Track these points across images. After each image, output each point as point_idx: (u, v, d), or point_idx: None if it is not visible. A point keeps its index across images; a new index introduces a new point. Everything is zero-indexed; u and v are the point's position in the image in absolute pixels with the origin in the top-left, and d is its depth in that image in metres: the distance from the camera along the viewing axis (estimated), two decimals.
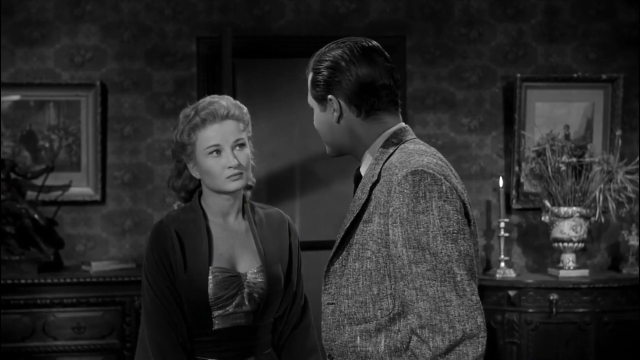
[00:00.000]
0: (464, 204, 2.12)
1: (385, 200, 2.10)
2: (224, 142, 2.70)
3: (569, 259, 5.18)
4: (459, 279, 2.01)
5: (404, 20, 5.43)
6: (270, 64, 6.14)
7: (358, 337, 2.14)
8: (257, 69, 6.44)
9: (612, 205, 5.11)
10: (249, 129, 2.77)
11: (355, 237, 2.16)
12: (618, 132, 5.34)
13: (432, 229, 2.02)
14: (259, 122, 6.68)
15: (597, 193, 5.12)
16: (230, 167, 2.68)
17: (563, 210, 5.13)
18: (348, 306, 2.16)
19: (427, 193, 2.04)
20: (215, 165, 2.70)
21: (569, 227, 5.14)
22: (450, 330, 1.99)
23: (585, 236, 5.18)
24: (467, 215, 2.13)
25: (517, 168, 5.38)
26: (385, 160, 2.17)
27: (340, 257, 2.20)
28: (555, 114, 5.44)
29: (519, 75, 5.34)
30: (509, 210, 5.45)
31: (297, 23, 5.39)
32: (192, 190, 2.84)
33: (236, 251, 2.77)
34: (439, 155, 2.20)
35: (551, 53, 5.52)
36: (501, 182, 5.30)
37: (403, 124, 2.26)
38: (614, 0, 5.53)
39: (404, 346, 2.10)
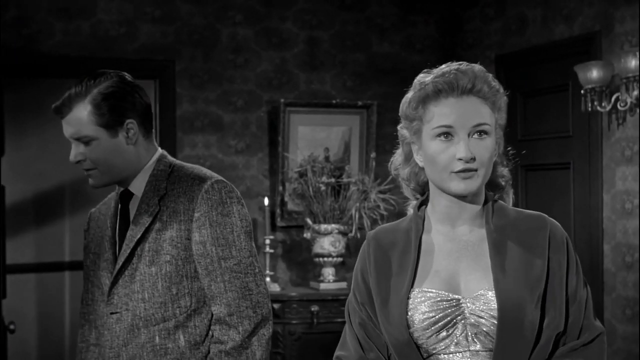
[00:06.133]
0: None
1: (185, 208, 2.35)
2: (458, 125, 1.92)
3: (329, 272, 5.49)
4: (257, 270, 2.37)
5: (173, 45, 5.57)
6: (40, 83, 6.09)
7: (157, 337, 2.35)
8: (26, 88, 6.35)
9: (366, 222, 5.42)
10: (500, 115, 2.00)
11: (148, 245, 2.36)
12: (372, 155, 5.69)
13: (236, 229, 2.35)
14: (28, 141, 6.61)
15: (354, 211, 5.45)
16: (460, 160, 1.90)
17: (323, 227, 5.43)
18: (145, 309, 2.35)
19: (229, 199, 2.36)
20: (441, 152, 1.93)
21: (328, 242, 5.44)
22: (254, 315, 2.33)
23: (343, 251, 5.50)
24: None
25: (281, 188, 5.62)
26: (168, 176, 2.41)
27: (129, 267, 2.37)
28: (316, 137, 5.73)
29: (282, 100, 5.60)
30: (274, 227, 5.69)
31: (67, 44, 5.38)
32: (426, 184, 2.08)
33: (462, 267, 1.96)
34: None
35: (312, 80, 5.84)
36: (266, 201, 5.53)
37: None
38: (369, 34, 5.95)
39: (202, 339, 2.36)
